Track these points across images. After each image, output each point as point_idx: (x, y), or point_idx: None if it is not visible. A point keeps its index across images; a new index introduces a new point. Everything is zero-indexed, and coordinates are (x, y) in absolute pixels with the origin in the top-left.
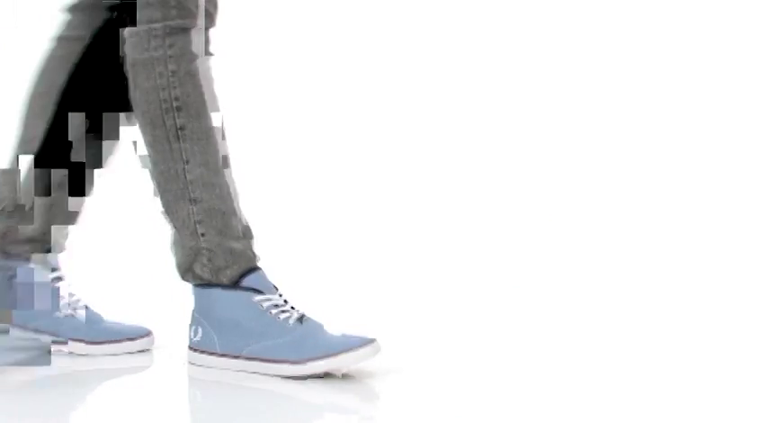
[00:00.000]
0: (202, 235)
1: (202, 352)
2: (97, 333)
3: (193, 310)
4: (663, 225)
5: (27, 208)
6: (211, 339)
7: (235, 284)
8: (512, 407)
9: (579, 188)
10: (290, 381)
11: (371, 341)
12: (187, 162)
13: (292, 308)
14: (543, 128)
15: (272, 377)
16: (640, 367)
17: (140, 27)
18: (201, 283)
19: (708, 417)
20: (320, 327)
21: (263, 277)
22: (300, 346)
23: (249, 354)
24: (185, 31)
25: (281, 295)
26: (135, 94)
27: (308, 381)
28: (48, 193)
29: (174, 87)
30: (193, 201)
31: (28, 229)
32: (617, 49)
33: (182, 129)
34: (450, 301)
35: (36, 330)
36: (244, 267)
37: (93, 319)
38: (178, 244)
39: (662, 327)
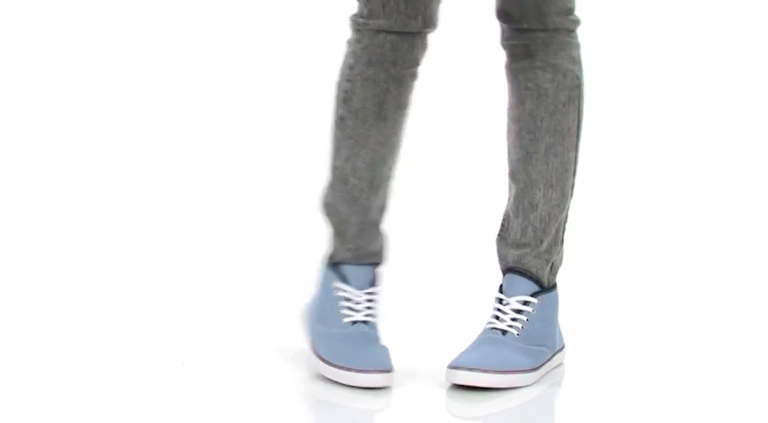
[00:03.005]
0: (331, 214)
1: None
2: None
3: None
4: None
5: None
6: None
7: (336, 265)
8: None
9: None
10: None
11: (386, 371)
12: (338, 150)
13: (368, 311)
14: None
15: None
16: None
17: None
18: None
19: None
20: (369, 339)
21: (364, 272)
22: (328, 345)
23: (310, 331)
24: (374, 32)
25: (370, 294)
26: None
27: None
28: None
29: (348, 81)
30: (332, 185)
31: None
32: (621, 50)
33: (341, 119)
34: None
35: None
36: (352, 256)
37: None
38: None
39: (665, 327)
